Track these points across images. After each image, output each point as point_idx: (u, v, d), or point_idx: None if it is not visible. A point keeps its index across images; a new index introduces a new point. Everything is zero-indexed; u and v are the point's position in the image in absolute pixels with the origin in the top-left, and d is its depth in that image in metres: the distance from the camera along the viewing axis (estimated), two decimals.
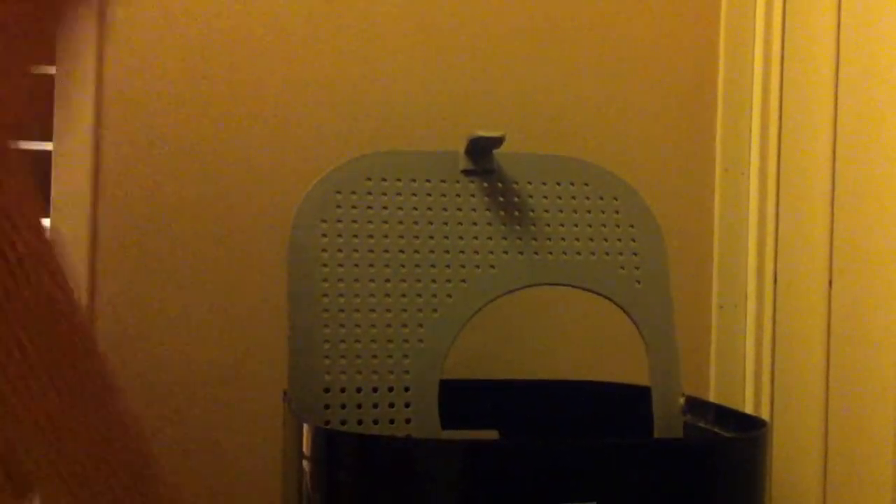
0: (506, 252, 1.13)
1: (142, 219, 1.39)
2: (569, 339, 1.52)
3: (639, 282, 1.16)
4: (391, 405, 1.08)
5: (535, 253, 1.14)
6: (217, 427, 1.42)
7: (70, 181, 1.37)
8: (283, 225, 1.11)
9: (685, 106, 1.56)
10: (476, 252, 1.12)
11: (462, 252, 1.12)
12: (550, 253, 1.14)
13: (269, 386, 1.37)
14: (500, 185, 1.15)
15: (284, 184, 1.41)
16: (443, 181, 1.14)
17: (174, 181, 1.40)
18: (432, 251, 1.12)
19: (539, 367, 1.49)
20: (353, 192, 1.11)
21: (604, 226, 1.16)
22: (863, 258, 1.30)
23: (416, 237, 1.12)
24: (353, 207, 1.11)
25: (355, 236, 1.10)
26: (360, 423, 1.07)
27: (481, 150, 1.15)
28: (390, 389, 1.08)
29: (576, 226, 1.16)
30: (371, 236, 1.11)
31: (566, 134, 1.51)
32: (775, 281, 1.51)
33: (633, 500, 0.91)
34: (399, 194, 1.12)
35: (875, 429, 1.26)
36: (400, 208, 1.12)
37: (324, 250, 1.09)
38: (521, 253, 1.13)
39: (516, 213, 1.15)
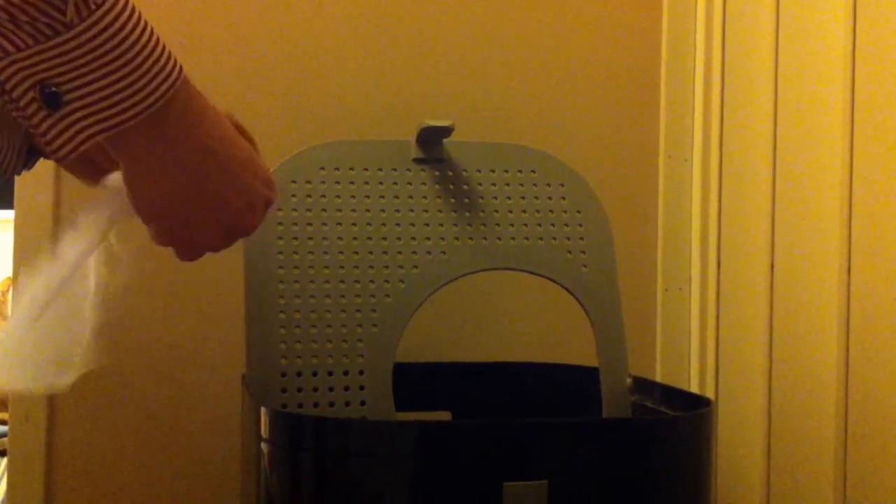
0: (456, 238, 1.14)
1: None
2: (519, 322, 1.53)
3: (585, 266, 1.17)
4: (346, 388, 1.08)
5: (485, 238, 1.15)
6: (177, 410, 1.42)
7: (33, 172, 1.37)
8: None
9: (629, 95, 1.58)
10: (427, 238, 1.13)
11: (414, 238, 1.13)
12: (499, 238, 1.15)
13: (228, 370, 1.38)
14: (450, 173, 1.16)
15: None
16: (394, 170, 1.15)
17: None
18: (385, 238, 1.12)
19: (490, 350, 1.51)
20: (308, 182, 1.12)
21: (551, 211, 1.18)
22: (803, 242, 1.32)
23: (369, 224, 1.12)
24: (308, 196, 1.11)
25: (310, 224, 1.11)
26: (316, 405, 1.08)
27: (431, 140, 1.16)
28: (345, 373, 1.09)
29: (524, 212, 1.17)
30: (325, 224, 1.11)
31: (513, 122, 1.52)
32: (719, 265, 1.52)
33: (583, 478, 0.93)
34: (352, 183, 1.13)
35: (816, 406, 1.28)
36: (353, 196, 1.13)
37: (279, 238, 1.10)
38: (471, 239, 1.14)
39: (466, 200, 1.16)
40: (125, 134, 0.59)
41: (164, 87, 0.58)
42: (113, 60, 0.56)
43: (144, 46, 0.57)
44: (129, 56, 0.56)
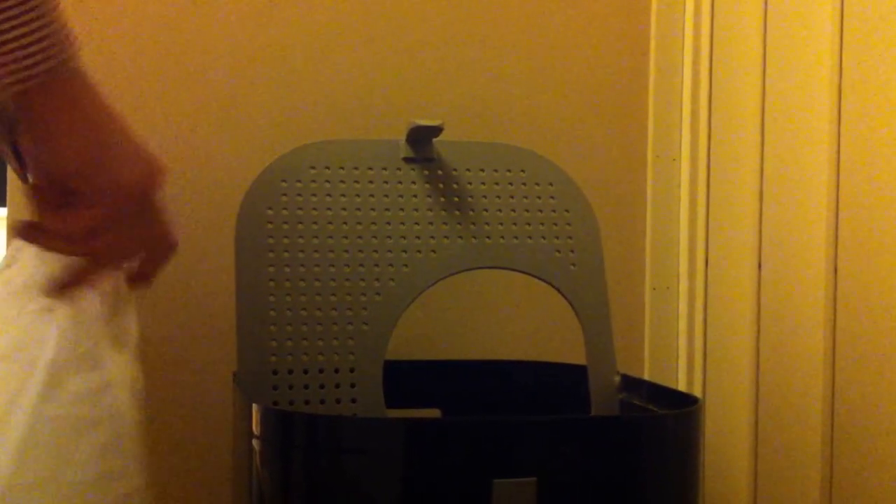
0: (446, 237, 1.15)
1: None
2: (508, 320, 1.53)
3: (574, 265, 1.18)
4: (337, 385, 1.09)
5: (474, 237, 1.16)
6: (168, 407, 1.42)
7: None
8: (231, 212, 1.12)
9: (618, 95, 1.58)
10: (417, 237, 1.14)
11: (403, 237, 1.14)
12: (488, 237, 1.16)
13: (220, 367, 1.38)
14: (439, 172, 1.17)
15: (231, 173, 1.42)
16: (384, 169, 1.15)
17: None
18: (375, 237, 1.13)
19: (480, 348, 1.50)
20: (298, 181, 1.13)
21: (540, 211, 1.18)
22: (790, 241, 1.32)
23: (360, 223, 1.13)
24: (298, 195, 1.12)
25: (300, 223, 1.11)
26: (307, 402, 1.08)
27: (421, 139, 1.16)
28: (336, 370, 1.09)
29: (513, 211, 1.18)
30: (316, 223, 1.12)
31: (503, 122, 1.52)
32: (706, 263, 1.52)
33: (572, 475, 0.93)
34: (342, 182, 1.14)
35: (803, 404, 1.28)
36: (343, 195, 1.13)
37: (270, 237, 1.10)
38: (460, 237, 1.15)
39: (455, 199, 1.16)
40: (32, 95, 0.66)
41: (61, 52, 0.65)
42: (17, 27, 0.62)
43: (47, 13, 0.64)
44: (36, 23, 0.63)
